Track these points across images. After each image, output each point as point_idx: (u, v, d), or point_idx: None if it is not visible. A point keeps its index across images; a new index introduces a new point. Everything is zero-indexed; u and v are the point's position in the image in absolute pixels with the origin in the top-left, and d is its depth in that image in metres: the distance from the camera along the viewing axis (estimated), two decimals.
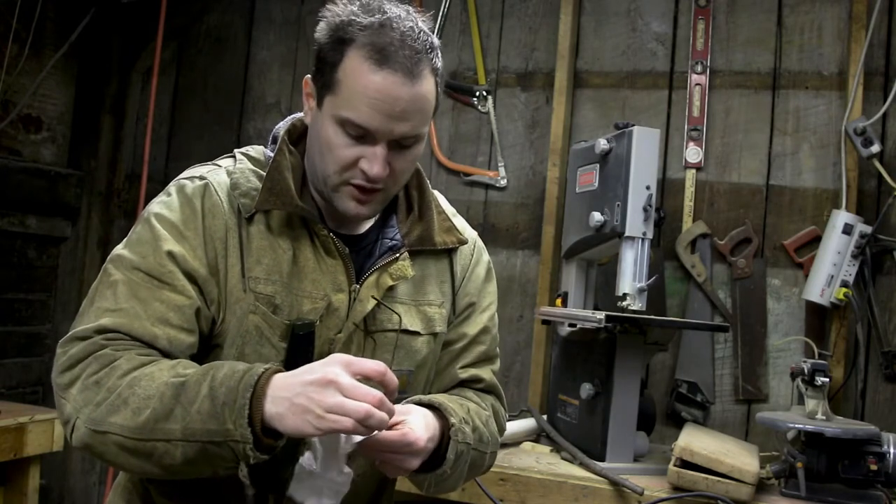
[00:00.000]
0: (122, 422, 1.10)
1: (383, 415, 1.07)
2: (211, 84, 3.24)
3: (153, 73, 3.09)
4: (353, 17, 1.20)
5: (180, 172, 1.36)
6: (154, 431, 1.10)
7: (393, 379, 1.12)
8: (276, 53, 3.15)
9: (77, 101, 3.20)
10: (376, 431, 1.11)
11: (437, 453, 1.26)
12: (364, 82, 1.18)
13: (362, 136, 1.21)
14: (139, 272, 1.21)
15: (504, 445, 2.26)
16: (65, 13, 3.04)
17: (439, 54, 1.25)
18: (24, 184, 2.93)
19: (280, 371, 1.12)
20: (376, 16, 1.20)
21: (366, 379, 1.10)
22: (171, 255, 1.21)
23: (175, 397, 1.10)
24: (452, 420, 1.26)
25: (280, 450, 1.17)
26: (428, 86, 1.22)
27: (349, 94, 1.19)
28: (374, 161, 1.21)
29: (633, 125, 2.17)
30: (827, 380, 2.01)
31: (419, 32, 1.21)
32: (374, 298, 1.30)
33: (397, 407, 1.21)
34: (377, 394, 1.07)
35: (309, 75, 1.29)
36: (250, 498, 1.13)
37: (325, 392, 1.05)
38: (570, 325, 2.22)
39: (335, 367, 1.08)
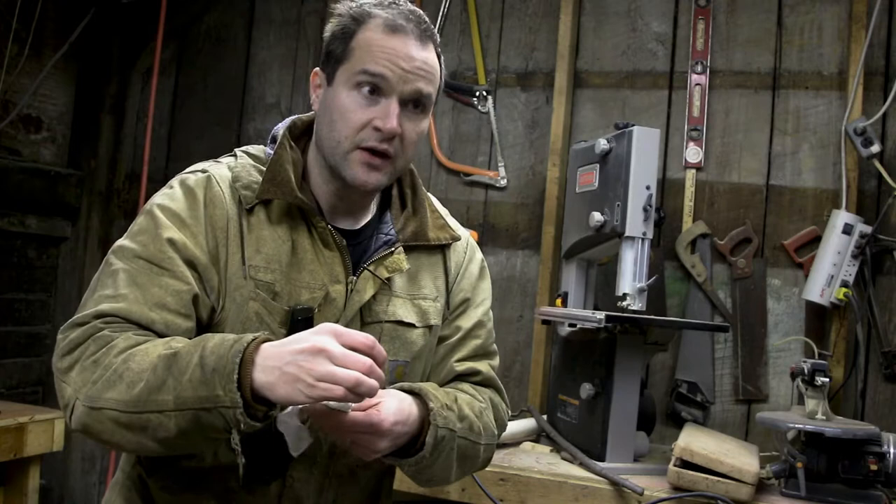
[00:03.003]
0: (118, 396, 1.12)
1: (373, 382, 1.08)
2: (211, 84, 3.24)
3: (153, 73, 3.09)
4: (364, 3, 1.31)
5: (180, 172, 1.37)
6: (148, 403, 1.10)
7: (381, 352, 1.13)
8: (276, 53, 3.15)
9: (77, 101, 3.20)
10: (345, 409, 1.12)
11: (418, 439, 1.27)
12: (380, 43, 1.26)
13: (377, 91, 1.26)
14: (140, 260, 1.23)
15: (504, 445, 2.27)
16: (65, 13, 3.04)
17: (439, 45, 1.34)
18: (24, 184, 2.93)
19: (269, 339, 1.13)
20: (386, 0, 1.31)
21: (354, 351, 1.11)
22: (171, 241, 1.23)
23: (167, 368, 1.11)
24: (432, 405, 1.27)
25: (276, 440, 1.17)
26: (434, 59, 1.31)
27: (364, 53, 1.26)
28: (387, 117, 1.26)
29: (633, 125, 2.17)
30: (827, 380, 2.01)
31: (425, 17, 1.32)
32: (371, 290, 1.32)
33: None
34: (367, 361, 1.08)
35: (318, 68, 1.34)
36: (242, 469, 1.12)
37: (315, 360, 1.06)
38: (570, 325, 2.22)
39: (325, 335, 1.09)
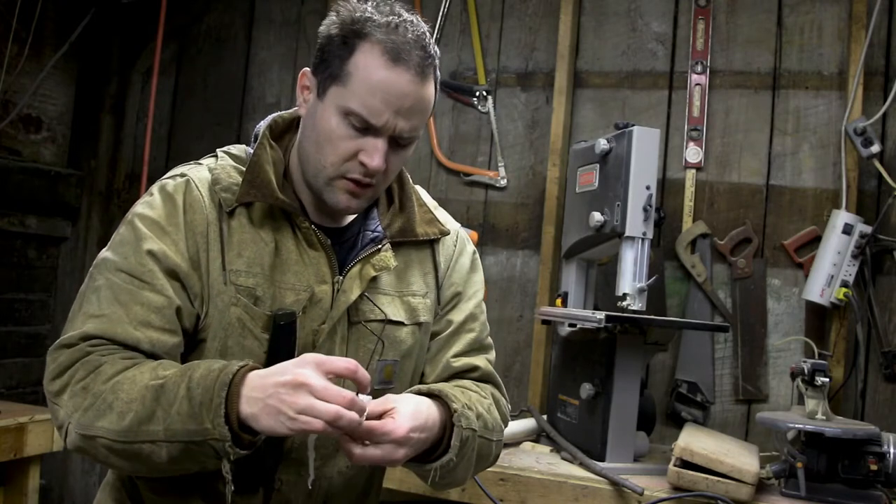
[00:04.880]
0: (109, 426, 1.13)
1: (353, 415, 1.08)
2: (211, 84, 3.24)
3: (153, 73, 3.09)
4: (369, 15, 1.24)
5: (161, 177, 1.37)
6: (139, 434, 1.12)
7: (365, 376, 1.14)
8: (276, 53, 3.15)
9: (77, 101, 3.20)
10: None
11: (440, 442, 1.26)
12: (378, 76, 1.21)
13: (365, 129, 1.23)
14: (121, 273, 1.23)
15: (504, 445, 2.25)
16: (65, 13, 3.04)
17: (439, 64, 1.30)
18: (24, 184, 2.93)
19: (255, 368, 1.14)
20: (391, 17, 1.24)
21: (339, 376, 1.12)
22: (151, 253, 1.23)
23: (155, 399, 1.12)
24: (455, 406, 1.26)
25: (264, 444, 1.17)
26: (431, 89, 1.27)
27: (359, 86, 1.22)
28: (374, 154, 1.24)
29: (633, 125, 2.17)
30: (827, 380, 2.01)
31: (429, 39, 1.26)
32: (358, 289, 1.31)
33: (391, 396, 1.22)
34: (347, 394, 1.08)
35: (307, 68, 1.31)
36: (229, 493, 1.14)
37: (296, 394, 1.07)
38: (570, 325, 2.22)
39: (307, 368, 1.10)
